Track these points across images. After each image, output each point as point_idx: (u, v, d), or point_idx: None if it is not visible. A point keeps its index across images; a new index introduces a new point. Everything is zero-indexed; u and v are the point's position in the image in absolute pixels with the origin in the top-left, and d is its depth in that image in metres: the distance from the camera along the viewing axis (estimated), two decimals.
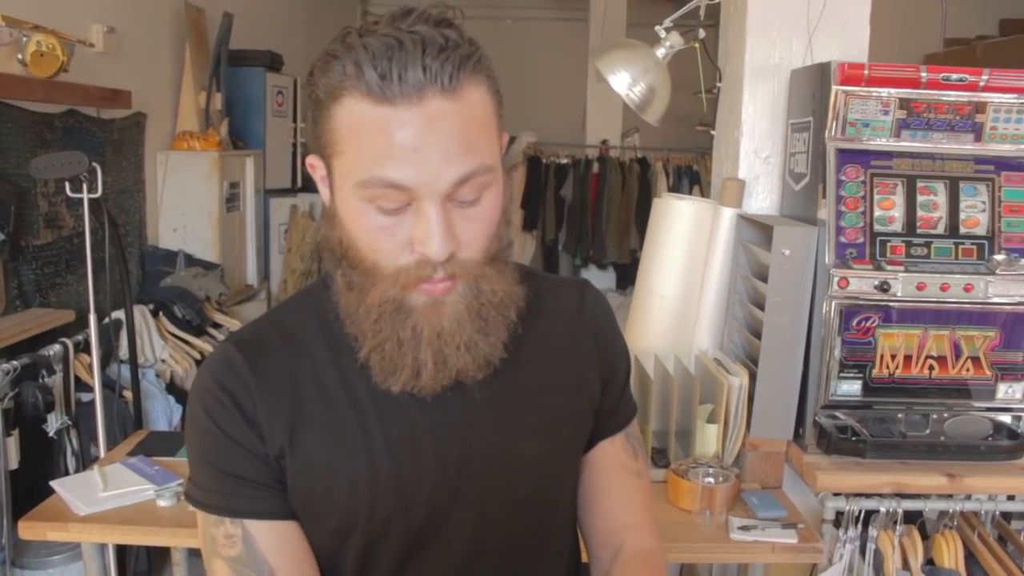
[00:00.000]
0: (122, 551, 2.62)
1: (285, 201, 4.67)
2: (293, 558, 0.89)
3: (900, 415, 1.87)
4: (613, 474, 1.04)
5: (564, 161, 6.26)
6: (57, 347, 2.78)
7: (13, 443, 2.61)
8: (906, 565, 1.78)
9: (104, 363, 2.84)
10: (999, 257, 1.82)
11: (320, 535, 0.91)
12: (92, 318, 2.44)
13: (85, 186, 2.29)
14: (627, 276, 6.14)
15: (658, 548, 1.03)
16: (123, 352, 2.79)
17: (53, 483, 1.84)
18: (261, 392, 0.87)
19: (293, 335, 0.91)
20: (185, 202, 3.73)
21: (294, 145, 4.74)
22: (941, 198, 1.85)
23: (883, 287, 1.79)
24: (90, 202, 2.32)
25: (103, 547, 1.89)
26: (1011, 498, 1.83)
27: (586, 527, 1.06)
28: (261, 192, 4.30)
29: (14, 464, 2.65)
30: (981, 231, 1.85)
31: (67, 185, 2.31)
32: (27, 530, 1.73)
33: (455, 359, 0.83)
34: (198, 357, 3.22)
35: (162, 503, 1.77)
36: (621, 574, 0.98)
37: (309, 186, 4.90)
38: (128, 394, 2.73)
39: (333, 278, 0.88)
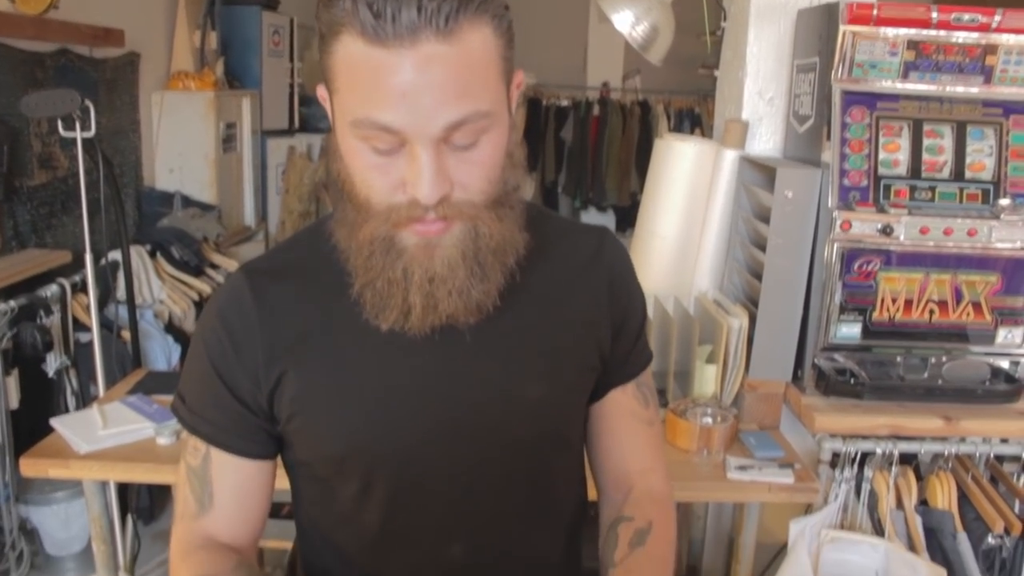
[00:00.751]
0: (123, 489, 2.65)
1: (282, 142, 4.62)
2: (237, 492, 0.93)
3: (899, 359, 1.87)
4: (624, 422, 1.04)
5: (564, 103, 6.19)
6: (54, 288, 2.77)
7: (13, 383, 2.62)
8: (900, 505, 1.80)
9: (102, 304, 2.83)
10: (1004, 202, 1.80)
11: (317, 463, 0.93)
12: (88, 258, 2.42)
13: (78, 124, 2.25)
14: (626, 219, 6.11)
15: (668, 491, 1.05)
16: (121, 293, 2.79)
17: (53, 421, 1.85)
18: (263, 325, 0.89)
19: (303, 266, 0.93)
20: (181, 143, 3.69)
21: (291, 86, 4.67)
22: (947, 142, 1.83)
23: (886, 231, 1.77)
24: (84, 141, 2.29)
25: (104, 485, 1.90)
26: (1004, 441, 1.84)
27: (597, 472, 1.07)
28: (258, 133, 4.25)
29: (15, 404, 2.67)
30: (987, 176, 1.83)
31: (60, 124, 2.27)
32: (28, 467, 1.74)
33: (446, 304, 0.83)
34: (196, 298, 3.22)
35: (161, 441, 1.78)
36: (631, 511, 0.99)
37: (306, 127, 4.85)
38: (126, 334, 2.73)
39: (337, 211, 0.88)
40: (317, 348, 0.89)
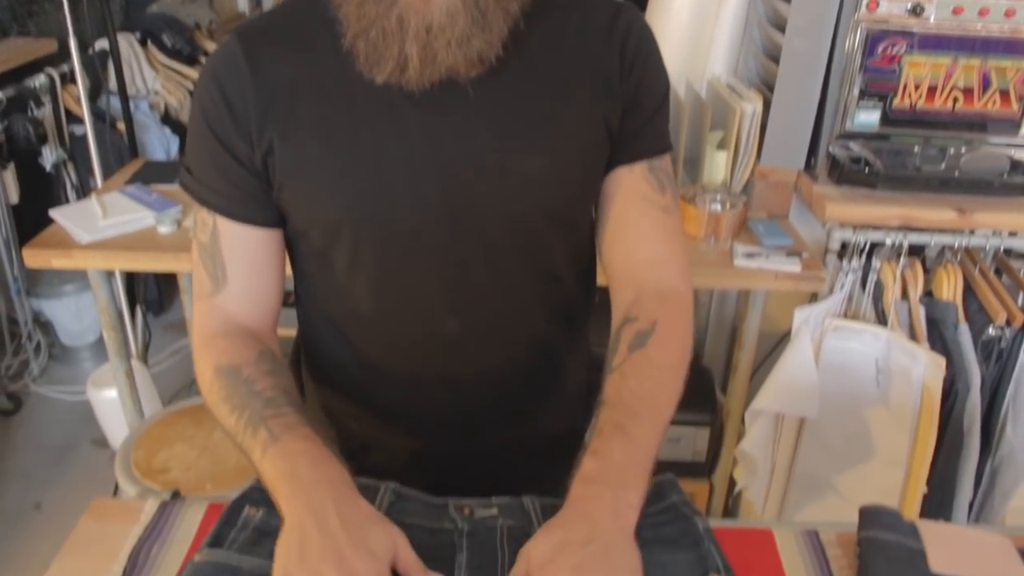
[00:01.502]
0: (131, 281, 2.68)
1: None
2: (248, 265, 0.91)
3: (916, 148, 1.81)
4: (633, 206, 0.94)
5: None
6: (42, 78, 2.68)
7: (11, 177, 2.58)
8: (905, 296, 1.80)
9: (94, 94, 2.75)
10: None
11: (310, 231, 0.90)
12: (73, 44, 2.32)
13: None
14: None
15: (682, 288, 0.93)
16: (112, 83, 2.69)
17: (52, 212, 1.82)
18: (257, 86, 0.84)
19: (298, 27, 0.87)
20: None
21: None
22: None
23: (915, 10, 1.66)
24: None
25: (110, 276, 1.91)
26: (1013, 235, 1.81)
27: (608, 268, 0.98)
28: None
29: (15, 199, 2.65)
30: None
31: None
32: (32, 258, 1.74)
33: (445, 55, 0.77)
34: (191, 87, 3.12)
35: (163, 229, 1.76)
36: (636, 311, 0.89)
37: None
38: (122, 126, 2.66)
39: None
40: (310, 110, 0.84)
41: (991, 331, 1.79)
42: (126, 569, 0.79)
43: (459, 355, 0.96)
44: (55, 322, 2.90)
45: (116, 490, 1.69)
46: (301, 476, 0.74)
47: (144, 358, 2.55)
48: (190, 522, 0.85)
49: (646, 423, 0.79)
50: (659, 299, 0.90)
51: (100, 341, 2.83)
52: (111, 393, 2.18)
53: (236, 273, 0.90)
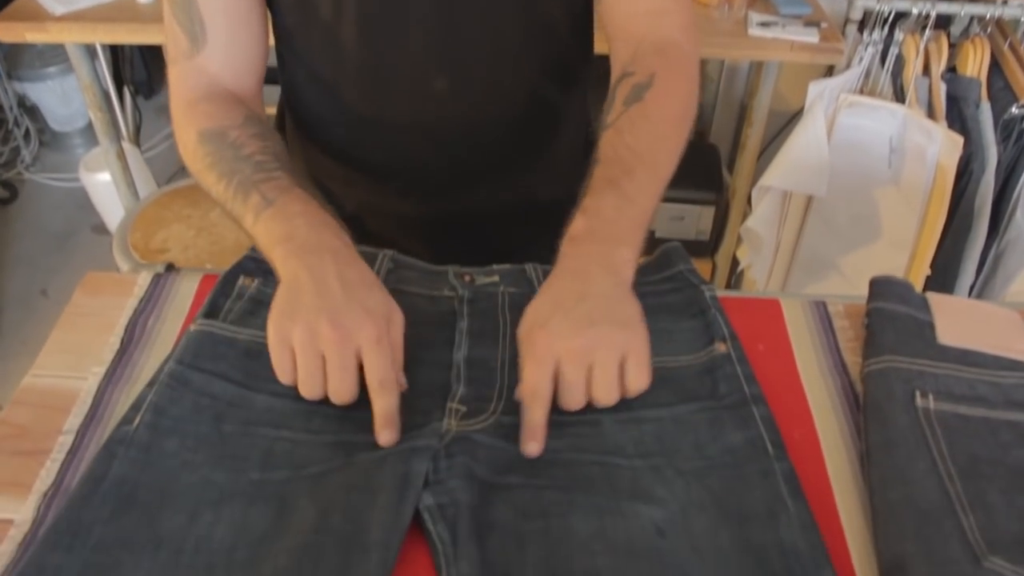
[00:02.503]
0: (115, 59, 2.57)
1: None
2: (228, 14, 0.82)
3: None
4: None
5: None
6: None
7: None
8: (926, 72, 1.71)
9: None
10: None
11: None
12: None
13: None
14: None
15: (684, 41, 0.85)
16: None
17: None
18: None
19: None
20: None
21: None
22: None
23: None
24: None
25: (91, 53, 1.82)
26: None
27: (607, 22, 0.89)
28: None
29: None
30: None
31: None
32: (4, 32, 1.65)
33: None
34: None
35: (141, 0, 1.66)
36: (634, 66, 0.83)
37: None
38: None
39: None
40: None
41: (1014, 110, 1.71)
42: (123, 341, 0.78)
43: (449, 109, 0.90)
44: (42, 106, 2.81)
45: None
46: (299, 238, 0.70)
47: (136, 141, 2.49)
48: (185, 294, 0.83)
49: (641, 177, 0.74)
50: (658, 52, 0.83)
51: (91, 126, 2.74)
52: (104, 176, 2.14)
53: (216, 27, 0.82)
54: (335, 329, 0.63)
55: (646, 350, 0.65)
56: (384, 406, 0.64)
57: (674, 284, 0.78)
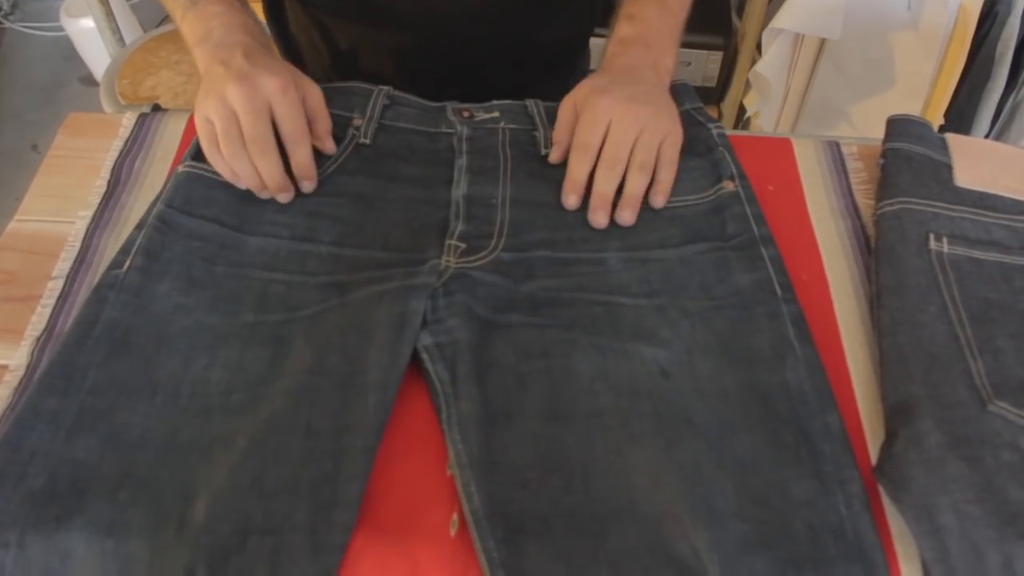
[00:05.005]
0: None
1: None
2: None
3: None
4: None
5: None
6: None
7: None
8: None
9: None
10: None
11: None
12: None
13: None
14: None
15: None
16: None
17: None
18: None
19: None
20: None
21: None
22: None
23: None
24: None
25: None
26: None
27: None
28: None
29: None
30: None
31: None
32: None
33: None
34: None
35: None
36: None
37: None
38: None
39: None
40: None
41: None
42: (109, 184, 0.75)
43: None
44: None
45: None
46: (214, 39, 0.70)
47: None
48: (172, 134, 0.80)
49: None
50: None
51: None
52: (88, 22, 2.05)
53: None
54: (241, 83, 0.65)
55: (679, 147, 0.71)
56: (298, 157, 0.68)
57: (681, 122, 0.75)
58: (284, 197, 0.69)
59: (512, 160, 0.73)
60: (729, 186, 0.69)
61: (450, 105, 0.78)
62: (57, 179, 0.77)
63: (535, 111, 0.77)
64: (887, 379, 0.60)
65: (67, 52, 2.41)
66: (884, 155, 0.74)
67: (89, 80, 2.44)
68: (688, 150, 0.72)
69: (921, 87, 1.67)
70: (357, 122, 0.76)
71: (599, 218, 0.67)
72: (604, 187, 0.68)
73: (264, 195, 0.69)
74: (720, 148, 0.72)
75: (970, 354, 0.60)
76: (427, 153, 0.74)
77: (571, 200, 0.68)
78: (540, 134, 0.75)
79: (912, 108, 1.70)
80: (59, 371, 0.57)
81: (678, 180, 0.71)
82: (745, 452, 0.54)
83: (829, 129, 1.80)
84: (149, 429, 0.55)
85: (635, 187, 0.68)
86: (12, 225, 0.72)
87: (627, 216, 0.67)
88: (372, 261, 0.65)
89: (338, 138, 0.74)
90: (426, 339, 0.59)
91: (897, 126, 0.75)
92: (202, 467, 0.53)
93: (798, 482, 0.53)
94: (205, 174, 0.69)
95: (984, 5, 1.58)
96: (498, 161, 0.73)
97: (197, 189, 0.68)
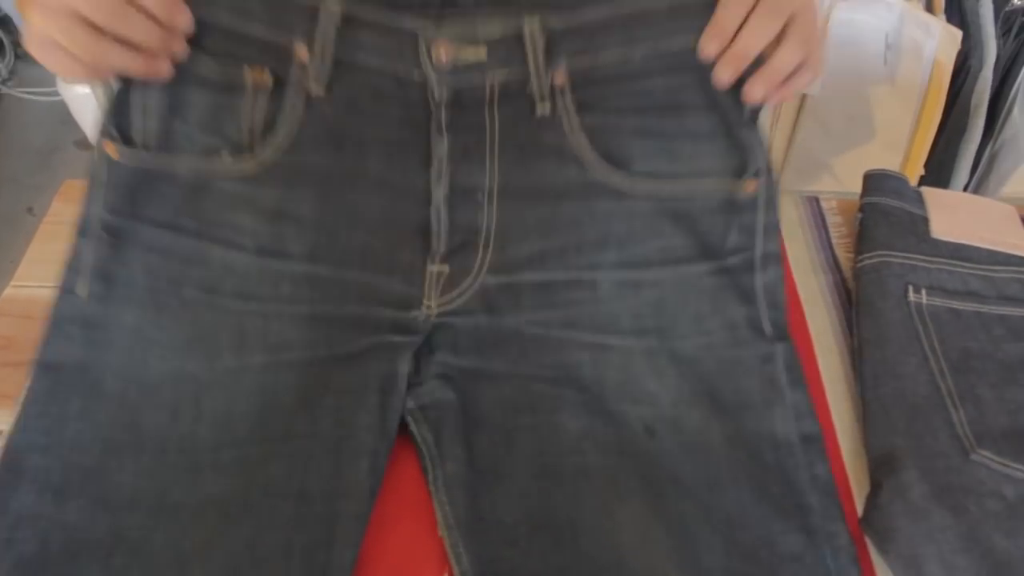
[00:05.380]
0: None
1: None
2: None
3: None
4: None
5: None
6: None
7: None
8: None
9: None
10: None
11: None
12: None
13: None
14: None
15: None
16: None
17: None
18: None
19: None
20: None
21: None
22: None
23: None
24: None
25: None
26: None
27: None
28: None
29: None
30: None
31: None
32: None
33: None
34: None
35: None
36: None
37: None
38: None
39: None
40: None
41: (1016, 1, 1.66)
42: None
43: None
44: (15, 17, 2.72)
45: None
46: None
47: None
48: None
49: None
50: None
51: None
52: (83, 89, 2.09)
53: None
54: None
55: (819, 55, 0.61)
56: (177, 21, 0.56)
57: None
58: (167, 68, 0.57)
59: (500, 127, 0.62)
60: (749, 188, 0.63)
61: (423, 34, 0.60)
62: (53, 245, 0.77)
63: (531, 45, 0.60)
64: (870, 430, 0.61)
65: (63, 116, 2.44)
66: (862, 209, 0.76)
67: (84, 144, 2.47)
68: (722, 122, 0.64)
69: (901, 140, 1.71)
70: (302, 55, 0.60)
71: (726, 74, 0.60)
72: (754, 39, 0.58)
73: (151, 73, 0.57)
74: (754, 133, 0.64)
75: (951, 404, 0.61)
76: (396, 105, 0.62)
77: (711, 48, 0.59)
78: (534, 84, 0.61)
79: (893, 160, 1.73)
80: (35, 424, 0.55)
81: (696, 153, 0.64)
82: (732, 507, 0.55)
83: (813, 182, 1.83)
84: (139, 489, 0.54)
85: (785, 62, 0.59)
86: (8, 291, 0.74)
87: (757, 89, 0.60)
88: (352, 287, 0.61)
89: (276, 81, 0.60)
90: (410, 403, 0.58)
91: (874, 181, 0.77)
92: (194, 530, 0.53)
93: (785, 536, 0.54)
94: (149, 166, 0.60)
95: (957, 59, 1.62)
96: (483, 133, 0.62)
97: (143, 186, 0.60)
